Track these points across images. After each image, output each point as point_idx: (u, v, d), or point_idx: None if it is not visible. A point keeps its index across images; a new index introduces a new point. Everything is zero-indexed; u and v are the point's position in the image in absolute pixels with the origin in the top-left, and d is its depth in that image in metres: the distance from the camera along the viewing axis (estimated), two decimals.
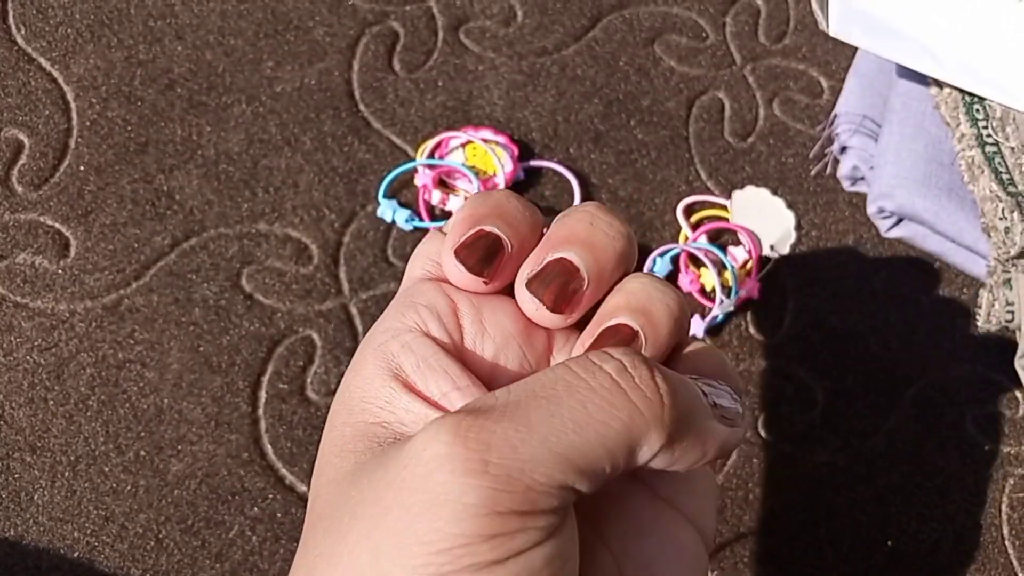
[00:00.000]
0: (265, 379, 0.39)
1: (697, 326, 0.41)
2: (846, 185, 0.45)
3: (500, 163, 0.43)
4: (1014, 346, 0.41)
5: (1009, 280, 0.40)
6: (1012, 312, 0.40)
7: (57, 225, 0.41)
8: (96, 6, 0.46)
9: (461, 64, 0.46)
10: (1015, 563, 0.39)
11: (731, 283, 0.41)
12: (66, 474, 0.37)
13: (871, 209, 0.43)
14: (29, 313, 0.40)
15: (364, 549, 0.18)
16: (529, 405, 0.19)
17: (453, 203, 0.43)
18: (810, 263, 0.43)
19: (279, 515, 0.37)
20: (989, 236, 0.40)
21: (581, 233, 0.23)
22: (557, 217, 0.24)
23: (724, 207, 0.44)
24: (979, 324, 0.42)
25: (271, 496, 0.37)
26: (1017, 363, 0.41)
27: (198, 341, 0.40)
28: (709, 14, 0.49)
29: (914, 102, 0.43)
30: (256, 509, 0.37)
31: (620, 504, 0.23)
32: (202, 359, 0.39)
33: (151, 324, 0.40)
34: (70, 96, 0.44)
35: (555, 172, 0.44)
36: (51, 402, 0.38)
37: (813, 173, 0.45)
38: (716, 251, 0.42)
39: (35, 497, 0.37)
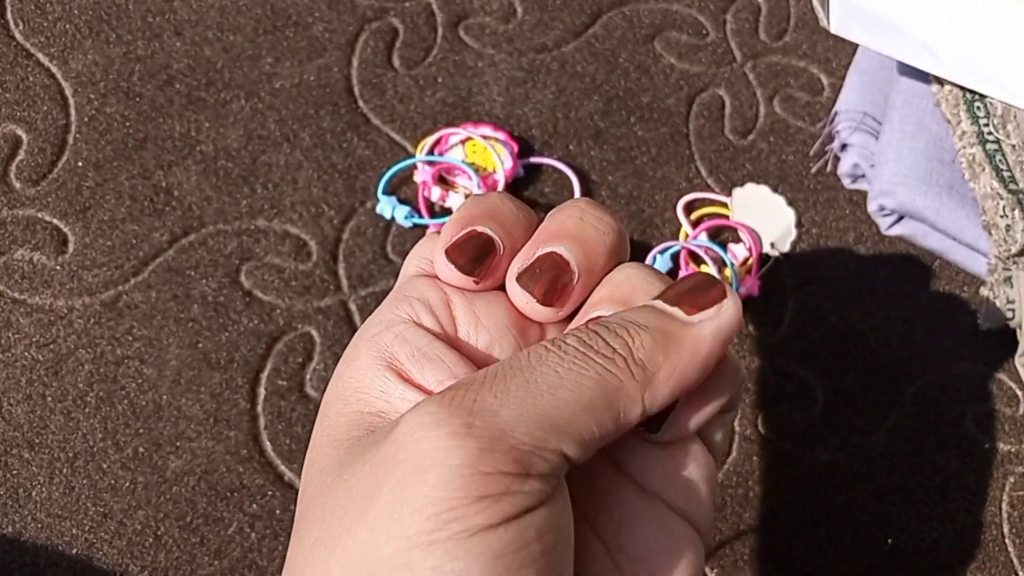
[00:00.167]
0: (264, 376, 0.39)
1: None
2: (847, 183, 0.45)
3: (500, 160, 0.43)
4: (1015, 344, 0.41)
5: (1010, 278, 0.40)
6: (1013, 310, 0.40)
7: (55, 221, 0.41)
8: (95, 2, 0.46)
9: (461, 60, 0.46)
10: (1015, 561, 0.38)
11: (731, 281, 0.41)
12: (64, 470, 0.37)
13: (872, 207, 0.43)
14: (27, 309, 0.39)
15: (360, 526, 0.19)
16: (506, 376, 0.19)
17: (452, 200, 0.43)
18: (810, 261, 0.43)
19: (278, 512, 0.37)
20: (990, 234, 0.40)
21: (571, 228, 0.23)
22: (549, 213, 0.24)
23: (724, 204, 0.44)
24: (980, 322, 0.42)
25: (270, 493, 0.37)
26: (1017, 361, 0.41)
27: (197, 337, 0.39)
28: (709, 11, 0.48)
29: (915, 99, 0.43)
30: (255, 506, 0.37)
31: (609, 497, 0.23)
32: (201, 355, 0.39)
33: (149, 320, 0.40)
34: (68, 92, 0.44)
35: (555, 169, 0.44)
36: (49, 398, 0.38)
37: (814, 171, 0.45)
38: (716, 248, 0.41)
39: (33, 493, 0.37)
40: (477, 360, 0.23)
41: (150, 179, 0.42)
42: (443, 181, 0.43)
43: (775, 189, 0.44)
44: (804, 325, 0.42)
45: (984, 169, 0.40)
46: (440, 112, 0.45)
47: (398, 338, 0.22)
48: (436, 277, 0.24)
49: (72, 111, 0.43)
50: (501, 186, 0.43)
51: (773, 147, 0.45)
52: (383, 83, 0.45)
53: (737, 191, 0.44)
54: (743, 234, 0.43)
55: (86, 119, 0.43)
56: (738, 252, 0.43)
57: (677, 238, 0.43)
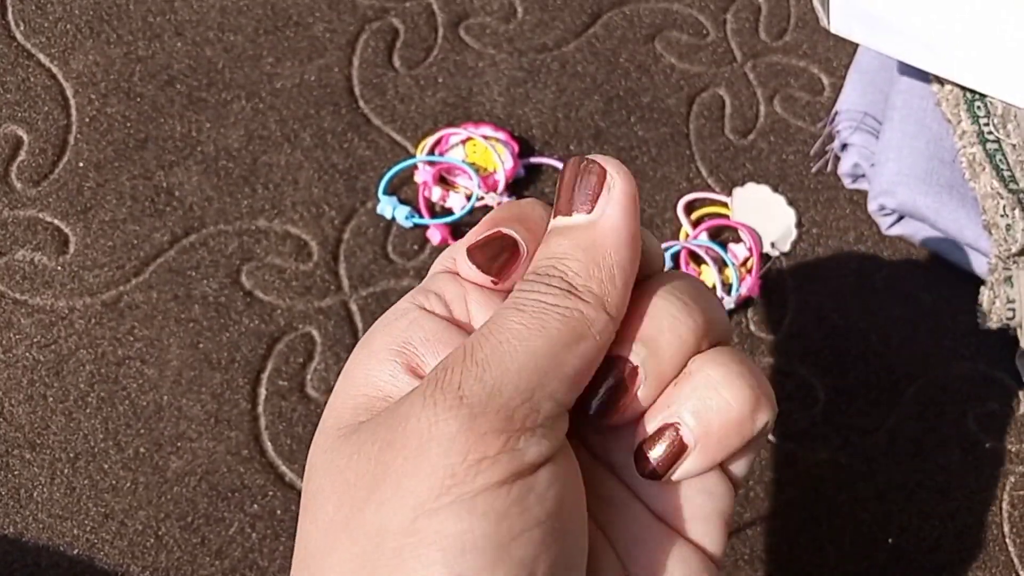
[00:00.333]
0: (265, 376, 0.39)
1: None
2: (847, 182, 0.45)
3: (500, 160, 0.43)
4: (1015, 343, 0.41)
5: (1010, 277, 0.40)
6: (1013, 309, 0.40)
7: (56, 222, 0.41)
8: (95, 2, 0.46)
9: (461, 60, 0.46)
10: (1016, 561, 0.39)
11: (732, 281, 0.41)
12: (65, 471, 0.37)
13: (872, 206, 0.43)
14: (28, 310, 0.39)
15: (370, 503, 0.19)
16: (481, 345, 0.20)
17: (453, 200, 0.43)
18: (811, 260, 0.43)
19: (279, 512, 0.37)
20: (990, 233, 0.40)
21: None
22: None
23: (725, 204, 0.44)
24: (980, 321, 0.42)
25: (271, 493, 0.37)
26: (1018, 360, 0.41)
27: (198, 338, 0.39)
28: (710, 11, 0.49)
29: (915, 99, 0.43)
30: (256, 506, 0.37)
31: (624, 516, 0.23)
32: (202, 356, 0.39)
33: (150, 321, 0.40)
34: (69, 92, 0.44)
35: (555, 169, 0.44)
36: (50, 399, 0.38)
37: (814, 170, 0.45)
38: (717, 248, 0.41)
39: (34, 494, 0.37)
40: None
41: (151, 179, 0.42)
42: (444, 181, 0.43)
43: (775, 189, 0.44)
44: (805, 324, 0.42)
45: (984, 168, 0.40)
46: (441, 112, 0.45)
47: (412, 324, 0.23)
48: (458, 274, 0.25)
49: (73, 111, 0.43)
50: (501, 186, 0.43)
51: (773, 147, 0.45)
52: (384, 83, 0.45)
53: (737, 191, 0.44)
54: (743, 234, 0.43)
55: (87, 119, 0.43)
56: (738, 252, 0.43)
57: (677, 238, 0.43)
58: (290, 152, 0.43)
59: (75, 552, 0.36)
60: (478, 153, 0.43)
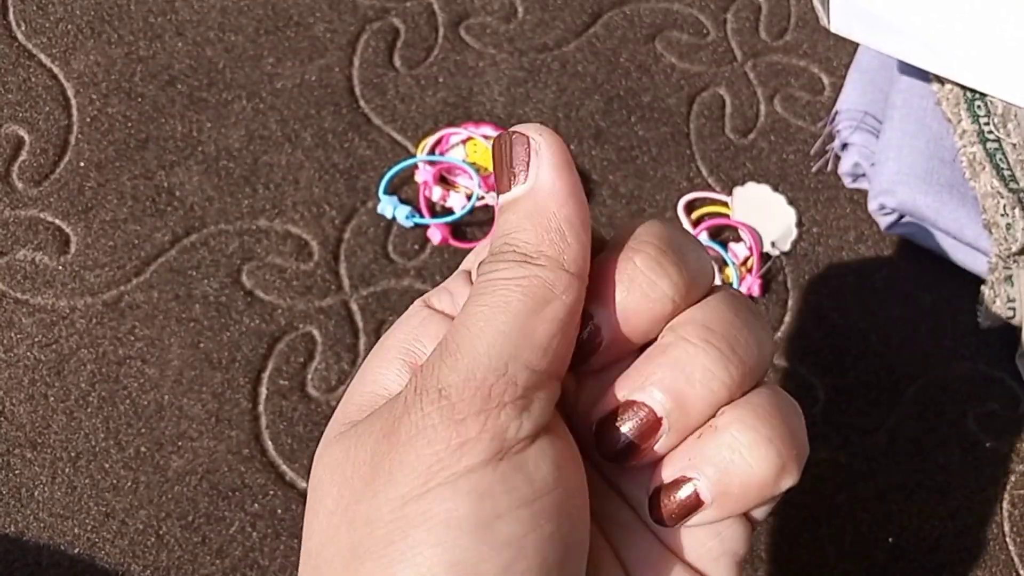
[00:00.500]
0: (266, 375, 0.39)
1: None
2: (847, 182, 0.45)
3: None
4: (1015, 343, 0.41)
5: (1010, 276, 0.40)
6: (1013, 308, 0.40)
7: (57, 221, 0.41)
8: (96, 2, 0.46)
9: (462, 60, 0.46)
10: (1016, 560, 0.39)
11: (732, 280, 0.41)
12: (66, 470, 0.37)
13: (872, 206, 0.43)
14: (29, 309, 0.40)
15: (366, 494, 0.20)
16: (453, 335, 0.21)
17: (454, 199, 0.43)
18: (811, 260, 0.43)
19: (279, 511, 0.37)
20: (990, 232, 0.40)
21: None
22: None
23: (725, 204, 0.44)
24: (980, 321, 0.42)
25: (272, 492, 0.37)
26: (1018, 360, 0.41)
27: (198, 337, 0.40)
28: (710, 10, 0.49)
29: (915, 98, 0.43)
30: (256, 505, 0.37)
31: (635, 542, 0.23)
32: (202, 355, 0.39)
33: (151, 320, 0.40)
34: (70, 92, 0.44)
35: None
36: (51, 398, 0.38)
37: (814, 170, 0.45)
38: (717, 248, 0.42)
39: (35, 493, 0.37)
40: None
41: (152, 179, 0.42)
42: (444, 181, 0.44)
43: (776, 188, 0.44)
44: (805, 324, 0.42)
45: (984, 168, 0.40)
46: (441, 112, 0.45)
47: (422, 323, 0.24)
48: (470, 273, 0.25)
49: (74, 111, 0.43)
50: None
51: (774, 146, 0.45)
52: (384, 83, 0.45)
53: (738, 190, 0.44)
54: (744, 233, 0.43)
55: (88, 119, 0.43)
56: (739, 251, 0.43)
57: None
58: (291, 152, 0.43)
59: (76, 551, 0.36)
60: (478, 153, 0.44)
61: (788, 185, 0.45)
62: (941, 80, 0.42)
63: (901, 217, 0.43)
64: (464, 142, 0.44)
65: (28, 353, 0.39)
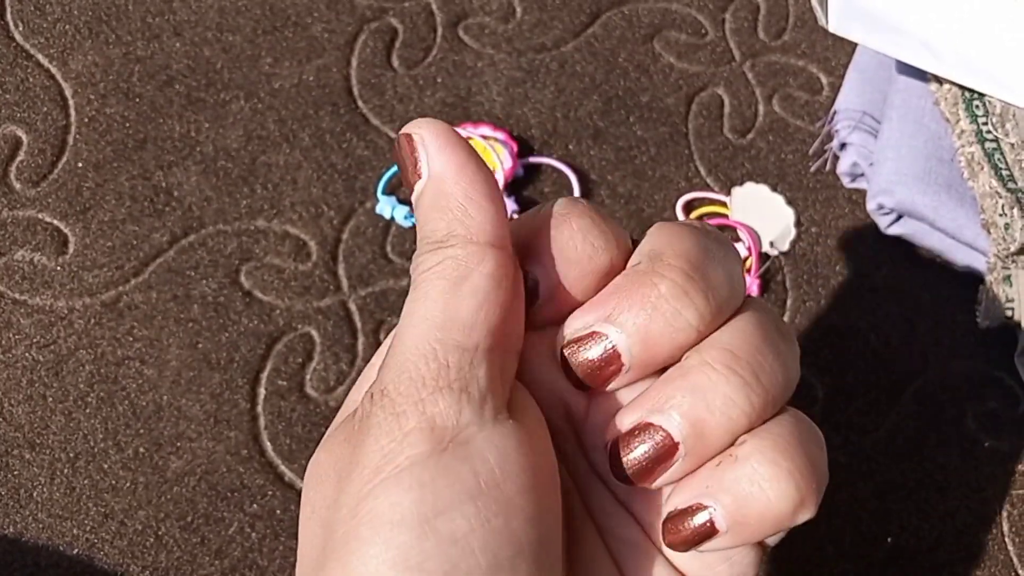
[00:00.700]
0: (264, 376, 0.39)
1: None
2: (846, 181, 0.45)
3: (499, 159, 0.43)
4: (1014, 342, 0.41)
5: (1009, 276, 0.40)
6: (1012, 308, 0.40)
7: (55, 222, 0.41)
8: (94, 2, 0.46)
9: (460, 60, 0.46)
10: (1015, 560, 0.39)
11: None
12: (65, 471, 0.37)
13: (871, 205, 0.43)
14: (28, 310, 0.39)
15: (335, 498, 0.20)
16: (392, 337, 0.21)
17: None
18: (810, 260, 0.43)
19: (278, 512, 0.37)
20: (989, 232, 0.40)
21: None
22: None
23: (723, 204, 0.44)
24: (979, 320, 0.42)
25: (270, 493, 0.37)
26: (1017, 359, 0.41)
27: (197, 338, 0.39)
28: (708, 10, 0.49)
29: (914, 98, 0.43)
30: (255, 506, 0.37)
31: (641, 560, 0.23)
32: (201, 356, 0.39)
33: (150, 321, 0.40)
34: (68, 92, 0.44)
35: (554, 168, 0.44)
36: (50, 399, 0.38)
37: (813, 169, 0.45)
38: None
39: (34, 494, 0.37)
40: None
41: (150, 180, 0.42)
42: None
43: (774, 188, 0.44)
44: (804, 324, 0.42)
45: (983, 168, 0.40)
46: (439, 112, 0.45)
47: None
48: None
49: (72, 112, 0.43)
50: (500, 186, 0.43)
51: (772, 146, 0.45)
52: (382, 83, 0.45)
53: (736, 190, 0.44)
54: (742, 233, 0.43)
55: (86, 120, 0.43)
56: (738, 251, 0.43)
57: None
58: (289, 152, 0.43)
59: (75, 552, 0.36)
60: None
61: (787, 185, 0.45)
62: (939, 80, 0.42)
63: (900, 217, 0.43)
64: None
65: (26, 354, 0.39)
